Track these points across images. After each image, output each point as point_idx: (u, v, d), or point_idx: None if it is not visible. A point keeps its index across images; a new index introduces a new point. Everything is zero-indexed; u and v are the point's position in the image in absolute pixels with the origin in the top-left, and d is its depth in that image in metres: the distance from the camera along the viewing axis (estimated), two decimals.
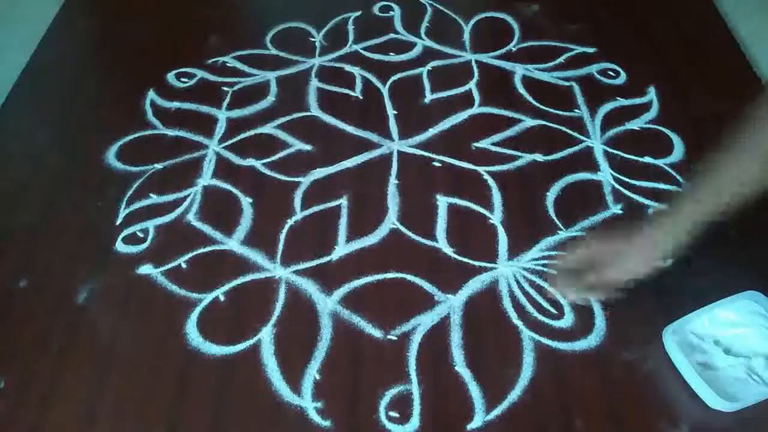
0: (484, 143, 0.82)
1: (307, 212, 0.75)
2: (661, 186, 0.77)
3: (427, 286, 0.68)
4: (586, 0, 1.04)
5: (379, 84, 0.91)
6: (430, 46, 0.97)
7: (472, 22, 1.01)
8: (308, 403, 0.60)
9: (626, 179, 0.78)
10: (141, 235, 0.74)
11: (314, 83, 0.91)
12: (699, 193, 0.57)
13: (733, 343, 0.62)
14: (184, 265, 0.71)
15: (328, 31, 1.00)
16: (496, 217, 0.74)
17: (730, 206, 0.56)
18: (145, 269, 0.70)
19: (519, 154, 0.81)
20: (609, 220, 0.74)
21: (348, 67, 0.94)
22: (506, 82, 0.91)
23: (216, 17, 1.04)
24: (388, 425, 0.58)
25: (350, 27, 1.00)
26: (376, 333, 0.65)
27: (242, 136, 0.84)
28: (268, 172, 0.80)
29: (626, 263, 0.59)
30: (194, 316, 0.66)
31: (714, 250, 0.69)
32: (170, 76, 0.93)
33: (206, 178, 0.80)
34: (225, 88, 0.91)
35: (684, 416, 0.58)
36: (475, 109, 0.87)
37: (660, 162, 0.79)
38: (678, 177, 0.78)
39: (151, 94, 0.90)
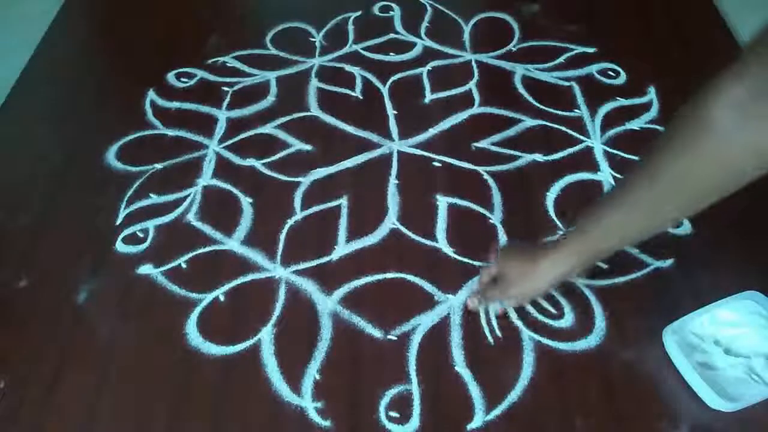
0: (484, 143, 0.82)
1: (307, 212, 0.75)
2: None
3: (427, 286, 0.68)
4: (586, 0, 1.04)
5: (379, 84, 0.91)
6: (430, 46, 0.97)
7: (472, 22, 1.01)
8: (308, 403, 0.60)
9: None
10: (141, 235, 0.74)
11: (314, 83, 0.91)
12: (605, 223, 0.55)
13: (733, 343, 0.62)
14: (184, 265, 0.71)
15: (328, 31, 1.00)
16: (496, 217, 0.74)
17: (642, 238, 0.56)
18: (145, 269, 0.70)
19: (519, 154, 0.81)
20: None
21: (348, 67, 0.94)
22: (506, 82, 0.91)
23: (216, 17, 1.04)
24: (388, 425, 0.58)
25: (350, 27, 1.00)
26: (376, 333, 0.65)
27: (242, 136, 0.84)
28: (268, 172, 0.80)
29: (527, 283, 0.61)
30: (194, 316, 0.66)
31: (714, 250, 0.70)
32: (170, 76, 0.93)
33: (206, 178, 0.80)
34: (225, 88, 0.91)
35: (684, 416, 0.58)
36: (475, 109, 0.87)
37: None
38: None
39: (151, 94, 0.90)
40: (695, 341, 0.62)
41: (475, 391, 0.60)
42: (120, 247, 0.73)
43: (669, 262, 0.70)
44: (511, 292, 0.63)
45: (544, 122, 0.85)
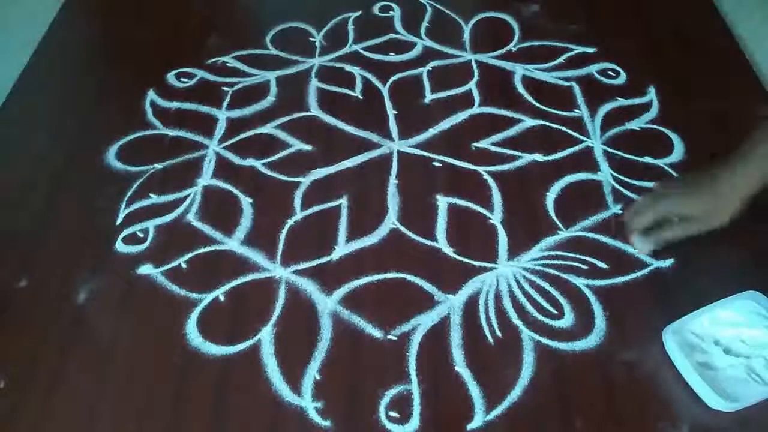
0: (484, 143, 0.82)
1: (307, 212, 0.75)
2: None
3: (427, 286, 0.68)
4: (586, 0, 1.04)
5: (379, 84, 0.91)
6: (430, 46, 0.97)
7: (472, 22, 1.01)
8: (308, 403, 0.60)
9: (626, 179, 0.78)
10: (141, 235, 0.74)
11: (314, 83, 0.91)
12: None
13: (733, 343, 0.62)
14: (184, 265, 0.71)
15: (328, 31, 1.00)
16: (496, 217, 0.74)
17: None
18: (145, 269, 0.70)
19: (519, 154, 0.81)
20: (609, 220, 0.74)
21: (348, 67, 0.94)
22: (506, 82, 0.91)
23: (216, 17, 1.04)
24: (388, 425, 0.58)
25: (350, 27, 1.00)
26: (376, 333, 0.65)
27: (242, 136, 0.84)
28: (268, 172, 0.80)
29: (716, 214, 0.62)
30: (194, 316, 0.66)
31: (714, 250, 0.70)
32: (170, 76, 0.93)
33: (206, 178, 0.80)
34: (225, 88, 0.91)
35: (684, 416, 0.58)
36: (475, 109, 0.87)
37: (660, 162, 0.79)
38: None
39: (151, 94, 0.90)
40: (695, 341, 0.62)
41: (475, 391, 0.60)
42: (120, 247, 0.73)
43: (669, 262, 0.70)
44: (697, 228, 0.64)
45: (544, 122, 0.85)
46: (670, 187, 0.67)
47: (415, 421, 0.59)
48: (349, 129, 0.85)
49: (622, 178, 0.78)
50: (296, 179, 0.79)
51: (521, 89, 0.89)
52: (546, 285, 0.68)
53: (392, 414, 0.59)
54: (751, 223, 0.63)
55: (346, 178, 0.79)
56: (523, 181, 0.78)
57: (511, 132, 0.84)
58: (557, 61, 0.93)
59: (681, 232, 0.65)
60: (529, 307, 0.66)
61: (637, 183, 0.77)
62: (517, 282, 0.68)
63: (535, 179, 0.78)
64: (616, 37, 0.97)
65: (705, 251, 0.69)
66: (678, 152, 0.80)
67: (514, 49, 0.96)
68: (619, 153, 0.81)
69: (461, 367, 0.62)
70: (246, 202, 0.77)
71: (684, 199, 0.65)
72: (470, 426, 0.58)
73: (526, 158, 0.81)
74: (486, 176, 0.79)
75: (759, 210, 0.63)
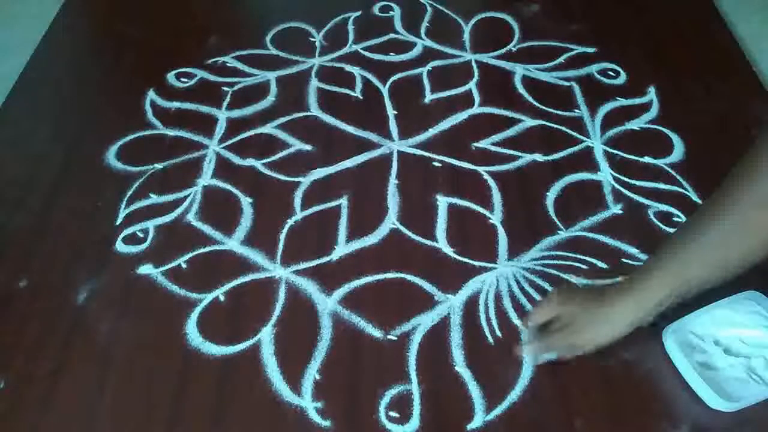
0: (484, 143, 0.82)
1: (307, 212, 0.75)
2: (661, 186, 0.77)
3: (427, 286, 0.68)
4: (586, 0, 1.04)
5: (379, 84, 0.91)
6: (430, 46, 0.97)
7: (472, 22, 1.01)
8: (308, 403, 0.60)
9: (626, 179, 0.78)
10: (141, 235, 0.74)
11: (314, 83, 0.91)
12: (684, 259, 0.53)
13: (733, 343, 0.62)
14: (184, 265, 0.71)
15: (328, 31, 1.00)
16: (496, 217, 0.74)
17: (723, 274, 0.53)
18: (145, 269, 0.70)
19: (519, 154, 0.81)
20: (609, 220, 0.74)
21: (348, 67, 0.94)
22: (506, 82, 0.91)
23: (216, 17, 1.04)
24: (388, 425, 0.58)
25: (350, 27, 1.00)
26: (376, 333, 0.65)
27: (242, 136, 0.84)
28: (268, 172, 0.80)
29: (601, 327, 0.57)
30: (194, 316, 0.66)
31: None
32: (170, 76, 0.93)
33: (206, 178, 0.80)
34: (225, 88, 0.91)
35: (684, 416, 0.58)
36: (475, 109, 0.87)
37: (660, 162, 0.79)
38: (678, 177, 0.78)
39: (151, 94, 0.90)
40: (695, 341, 0.62)
41: (475, 391, 0.60)
42: (120, 247, 0.73)
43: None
44: (581, 339, 0.58)
45: (544, 122, 0.85)
46: (576, 292, 0.61)
47: (415, 421, 0.59)
48: (349, 129, 0.85)
49: (622, 178, 0.78)
50: (296, 179, 0.79)
51: (521, 89, 0.89)
52: (546, 285, 0.68)
53: (392, 414, 0.59)
54: None
55: (346, 178, 0.79)
56: (523, 181, 0.78)
57: (511, 132, 0.84)
58: (557, 61, 0.93)
59: (564, 341, 0.58)
60: (529, 307, 0.66)
61: (637, 183, 0.77)
62: (517, 282, 0.68)
63: (535, 179, 0.78)
64: (616, 37, 0.97)
65: None
66: (678, 152, 0.81)
67: (514, 49, 0.96)
68: (619, 153, 0.81)
69: (461, 367, 0.62)
70: (246, 202, 0.77)
71: (566, 303, 0.59)
72: (470, 426, 0.58)
73: (526, 158, 0.81)
74: (486, 176, 0.79)
75: None
